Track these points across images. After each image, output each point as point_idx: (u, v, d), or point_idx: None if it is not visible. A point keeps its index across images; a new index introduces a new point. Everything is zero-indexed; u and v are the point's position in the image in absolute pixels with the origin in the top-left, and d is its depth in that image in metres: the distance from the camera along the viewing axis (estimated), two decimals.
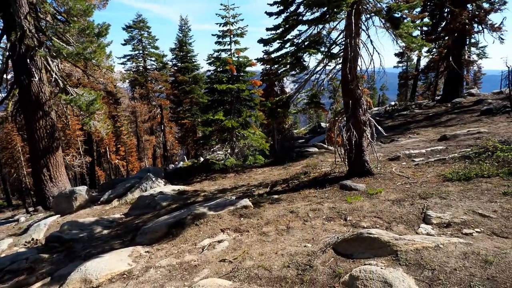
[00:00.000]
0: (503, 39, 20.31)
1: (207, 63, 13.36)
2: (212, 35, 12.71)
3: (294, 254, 4.66)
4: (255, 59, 9.70)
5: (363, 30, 8.03)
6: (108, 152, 32.57)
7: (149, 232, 6.79)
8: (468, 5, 20.25)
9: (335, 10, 6.78)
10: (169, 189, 10.38)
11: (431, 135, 13.31)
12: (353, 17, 7.48)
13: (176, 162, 30.28)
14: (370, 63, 8.05)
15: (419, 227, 5.06)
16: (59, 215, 11.17)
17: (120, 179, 16.87)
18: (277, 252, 4.88)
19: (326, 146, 14.04)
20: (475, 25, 20.76)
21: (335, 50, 8.22)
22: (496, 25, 20.00)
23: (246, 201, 7.24)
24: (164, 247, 6.14)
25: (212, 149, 31.09)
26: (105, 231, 8.51)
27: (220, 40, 12.64)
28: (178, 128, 39.24)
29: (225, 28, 12.53)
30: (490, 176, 6.57)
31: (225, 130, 12.37)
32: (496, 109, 14.90)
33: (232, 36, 12.52)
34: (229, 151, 12.53)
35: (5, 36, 13.81)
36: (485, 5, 20.56)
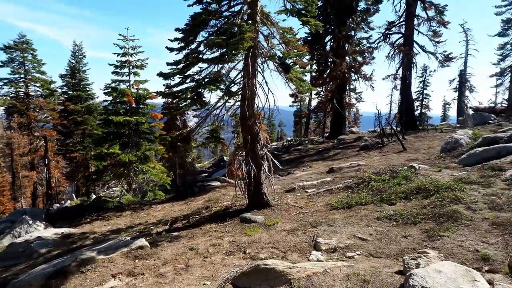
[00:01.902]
0: (373, 87, 24.43)
1: (103, 93, 12.54)
2: (109, 64, 12.06)
3: None
4: (155, 92, 9.50)
5: (259, 72, 8.73)
6: None
7: (21, 286, 5.71)
8: (347, 57, 23.97)
9: (233, 52, 7.23)
10: (51, 233, 9.00)
11: (321, 167, 14.77)
12: (249, 59, 8.09)
13: (63, 201, 26.73)
14: (266, 101, 8.70)
15: (310, 254, 5.44)
16: None
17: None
18: None
19: (228, 179, 14.27)
20: (352, 74, 24.55)
21: (234, 88, 8.67)
22: (367, 75, 24.00)
23: (142, 241, 6.75)
24: None
25: (106, 186, 28.49)
26: None
27: (118, 70, 12.07)
28: (67, 162, 35.04)
29: (123, 59, 12.06)
30: (367, 203, 7.55)
31: (121, 165, 11.50)
32: (371, 145, 17.47)
33: (131, 67, 12.10)
34: (125, 187, 11.62)
35: None
36: (359, 58, 24.65)
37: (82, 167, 32.76)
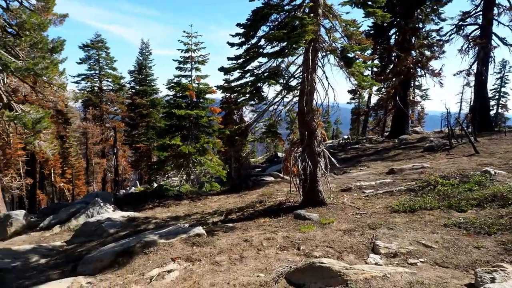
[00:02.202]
0: (442, 84, 22.56)
1: (166, 88, 13.29)
2: (173, 60, 12.73)
3: (246, 285, 4.54)
4: (215, 87, 9.81)
5: (319, 66, 8.51)
6: (52, 174, 30.22)
7: (93, 261, 6.28)
8: (413, 52, 22.42)
9: (293, 46, 7.15)
10: (118, 215, 9.79)
11: (380, 168, 14.05)
12: (310, 53, 7.92)
13: (128, 188, 28.89)
14: (325, 97, 8.48)
15: (368, 256, 5.20)
16: None
17: (64, 204, 15.66)
18: (229, 282, 4.73)
19: (282, 175, 14.24)
20: (419, 69, 22.91)
21: (293, 83, 8.58)
22: (436, 71, 22.22)
23: (200, 229, 7.03)
24: (108, 277, 5.70)
25: (167, 175, 30.18)
26: (43, 260, 7.75)
27: (181, 66, 12.66)
28: (132, 152, 37.80)
29: (186, 55, 12.61)
30: (432, 209, 7.01)
31: (181, 156, 12.10)
32: (437, 146, 16.18)
33: (193, 62, 12.61)
34: (184, 177, 12.22)
35: None
36: (427, 53, 22.90)
37: (146, 157, 35.19)
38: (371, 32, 22.84)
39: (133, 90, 35.66)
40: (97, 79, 37.49)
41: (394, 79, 22.95)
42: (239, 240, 6.61)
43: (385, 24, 21.04)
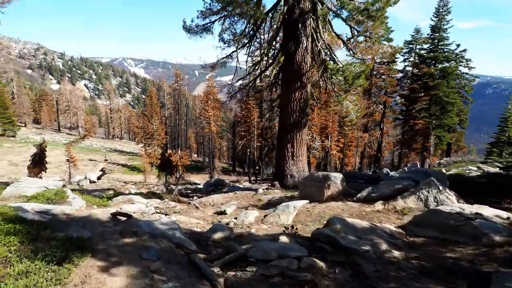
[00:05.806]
0: None
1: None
2: None
3: None
4: None
5: None
6: (329, 141, 31.33)
7: None
8: None
9: None
10: (490, 213, 6.41)
11: None
12: None
13: (383, 167, 25.68)
14: None
15: None
16: (308, 201, 9.32)
17: (358, 174, 14.28)
18: None
19: None
20: None
21: None
22: None
23: None
24: None
25: (440, 162, 24.85)
26: (396, 253, 5.55)
27: None
28: (408, 128, 33.70)
29: None
30: None
31: None
32: None
33: None
34: None
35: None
36: None
37: (421, 136, 30.54)
38: None
39: (420, 59, 31.17)
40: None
41: None
42: None
43: None
